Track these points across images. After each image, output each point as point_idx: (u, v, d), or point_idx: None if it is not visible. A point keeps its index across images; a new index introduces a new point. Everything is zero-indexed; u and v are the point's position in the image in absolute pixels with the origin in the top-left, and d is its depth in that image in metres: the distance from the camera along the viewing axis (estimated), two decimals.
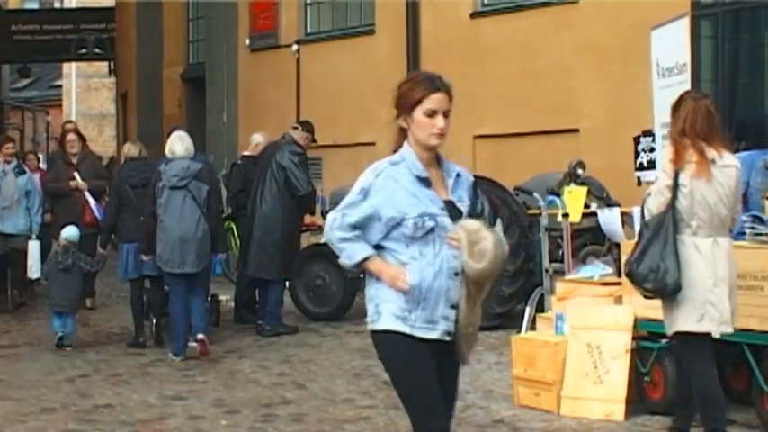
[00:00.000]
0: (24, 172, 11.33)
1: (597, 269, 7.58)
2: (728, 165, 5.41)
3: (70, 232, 9.52)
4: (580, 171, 9.43)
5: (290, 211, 9.82)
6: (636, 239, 5.61)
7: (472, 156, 12.67)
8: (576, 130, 11.76)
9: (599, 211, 8.64)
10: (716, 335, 5.35)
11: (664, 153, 5.50)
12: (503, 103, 12.45)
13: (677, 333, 5.43)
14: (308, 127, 10.28)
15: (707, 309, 5.28)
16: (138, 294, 9.49)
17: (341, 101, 14.19)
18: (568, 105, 11.85)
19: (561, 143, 11.73)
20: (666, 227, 5.30)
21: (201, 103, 16.98)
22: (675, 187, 5.31)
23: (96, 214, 10.97)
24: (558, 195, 8.80)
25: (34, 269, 10.94)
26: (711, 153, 5.35)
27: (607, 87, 11.50)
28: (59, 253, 9.41)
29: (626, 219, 8.25)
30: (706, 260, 5.30)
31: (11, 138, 13.10)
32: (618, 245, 7.76)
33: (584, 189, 8.70)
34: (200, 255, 8.74)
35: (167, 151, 9.03)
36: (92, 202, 11.15)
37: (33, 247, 11.06)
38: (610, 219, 8.39)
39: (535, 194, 9.19)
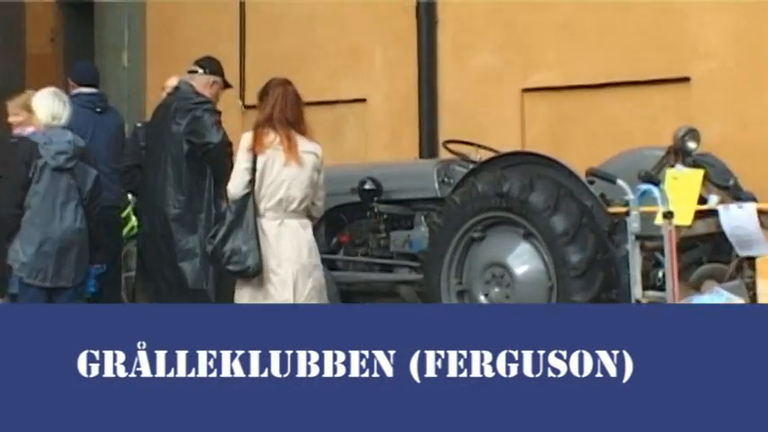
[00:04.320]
0: None
1: (720, 299, 7.57)
2: (309, 151, 7.61)
3: None
4: (692, 145, 9.22)
5: (204, 199, 9.31)
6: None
7: (520, 118, 12.01)
8: (687, 80, 11.00)
9: (721, 209, 8.56)
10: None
11: (244, 137, 7.47)
12: (568, 37, 11.61)
13: None
14: (212, 67, 9.42)
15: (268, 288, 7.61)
16: None
17: (311, 34, 13.38)
18: (674, 41, 11.03)
19: (661, 100, 11.05)
20: (249, 210, 7.55)
21: (89, 38, 16.42)
22: (253, 171, 7.49)
23: None
24: (657, 183, 8.44)
25: None
26: (299, 138, 7.60)
27: (733, 15, 10.79)
28: None
29: (764, 220, 8.31)
30: (269, 242, 7.52)
31: None
32: (752, 261, 7.87)
33: (698, 173, 8.67)
34: (78, 266, 8.80)
35: (46, 116, 8.92)
36: None
37: None
38: (739, 220, 8.43)
39: (619, 182, 8.62)
